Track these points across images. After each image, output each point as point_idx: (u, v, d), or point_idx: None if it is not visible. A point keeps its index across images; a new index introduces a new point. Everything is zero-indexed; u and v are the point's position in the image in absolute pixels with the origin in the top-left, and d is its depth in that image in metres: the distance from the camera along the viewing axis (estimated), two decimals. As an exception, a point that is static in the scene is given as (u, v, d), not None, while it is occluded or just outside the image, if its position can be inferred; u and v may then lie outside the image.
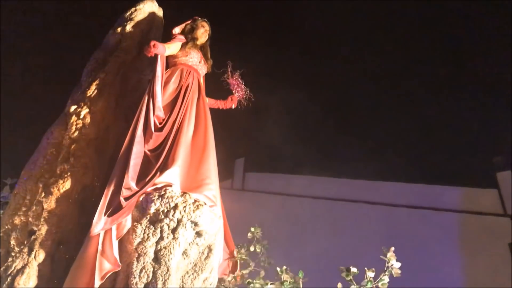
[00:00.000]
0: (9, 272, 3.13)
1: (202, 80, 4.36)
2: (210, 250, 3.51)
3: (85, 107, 3.87)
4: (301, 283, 3.95)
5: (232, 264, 4.10)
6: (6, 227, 3.46)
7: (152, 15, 4.53)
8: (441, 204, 10.14)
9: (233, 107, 4.63)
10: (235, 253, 4.12)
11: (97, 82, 4.00)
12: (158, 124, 3.82)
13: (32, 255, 3.21)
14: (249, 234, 4.51)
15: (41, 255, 3.25)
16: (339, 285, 3.88)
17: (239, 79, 4.59)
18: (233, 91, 4.60)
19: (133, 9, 4.45)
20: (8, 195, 3.98)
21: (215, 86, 4.67)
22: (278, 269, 3.95)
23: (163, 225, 3.30)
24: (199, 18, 4.49)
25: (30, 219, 3.43)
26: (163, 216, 3.32)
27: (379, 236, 9.34)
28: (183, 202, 3.38)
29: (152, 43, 3.80)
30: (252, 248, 4.38)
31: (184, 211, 3.34)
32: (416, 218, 9.90)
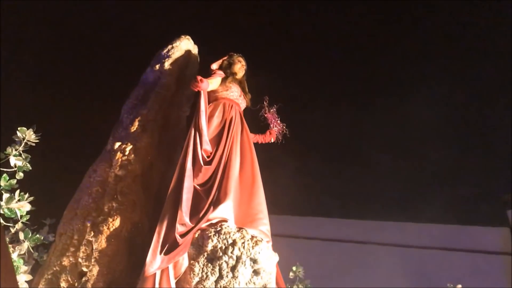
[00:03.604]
0: (62, 317, 2.92)
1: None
2: (266, 289, 3.33)
3: (129, 143, 3.77)
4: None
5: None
6: (55, 268, 3.25)
7: (188, 52, 4.52)
8: (453, 244, 10.01)
9: (272, 141, 4.55)
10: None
11: (139, 118, 3.92)
12: (206, 157, 3.72)
13: (85, 298, 3.01)
14: (290, 274, 4.36)
15: (93, 298, 3.05)
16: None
17: (275, 114, 4.54)
18: (271, 125, 4.53)
19: (170, 46, 4.44)
20: (48, 236, 3.78)
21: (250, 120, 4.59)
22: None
23: (222, 262, 3.14)
24: (235, 54, 4.50)
25: (79, 259, 3.24)
26: (221, 253, 3.16)
27: (389, 277, 9.12)
28: (241, 238, 3.23)
29: (199, 78, 3.80)
30: (295, 288, 4.21)
31: (243, 247, 3.19)
32: (428, 259, 9.74)
